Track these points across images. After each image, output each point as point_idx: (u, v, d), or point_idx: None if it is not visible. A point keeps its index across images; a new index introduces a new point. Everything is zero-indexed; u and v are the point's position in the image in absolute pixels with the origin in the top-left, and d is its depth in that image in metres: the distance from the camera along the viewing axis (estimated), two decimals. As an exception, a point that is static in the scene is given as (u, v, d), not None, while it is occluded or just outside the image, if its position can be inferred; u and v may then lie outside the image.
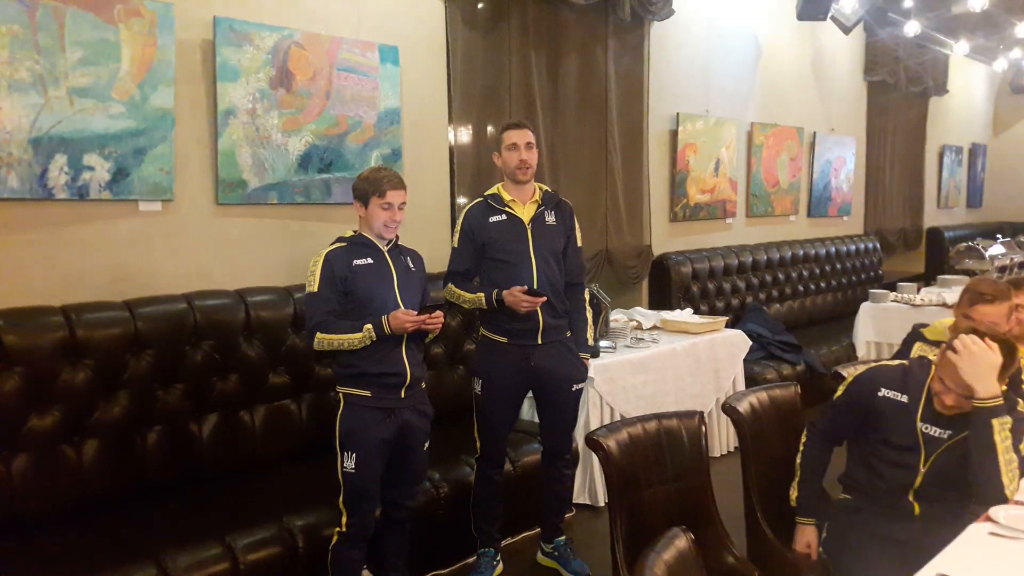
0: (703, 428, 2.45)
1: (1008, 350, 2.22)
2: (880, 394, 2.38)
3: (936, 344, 2.82)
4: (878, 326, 6.08)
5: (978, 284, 2.72)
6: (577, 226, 3.24)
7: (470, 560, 3.33)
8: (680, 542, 1.54)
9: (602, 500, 4.00)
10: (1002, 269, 7.28)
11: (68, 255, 2.96)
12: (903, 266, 9.32)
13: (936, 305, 5.91)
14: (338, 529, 2.67)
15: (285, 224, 3.59)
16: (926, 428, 2.31)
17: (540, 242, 3.08)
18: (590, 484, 3.99)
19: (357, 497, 2.63)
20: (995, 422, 2.14)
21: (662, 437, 2.39)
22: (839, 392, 2.53)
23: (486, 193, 3.17)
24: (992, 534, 2.00)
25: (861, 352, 6.10)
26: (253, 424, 3.23)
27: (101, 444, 2.82)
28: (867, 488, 2.43)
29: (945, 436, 2.30)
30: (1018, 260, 7.53)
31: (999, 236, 8.46)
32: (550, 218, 3.13)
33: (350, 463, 2.61)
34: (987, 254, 7.18)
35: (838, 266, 7.50)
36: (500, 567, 3.29)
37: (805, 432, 2.58)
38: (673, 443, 2.40)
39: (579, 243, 3.23)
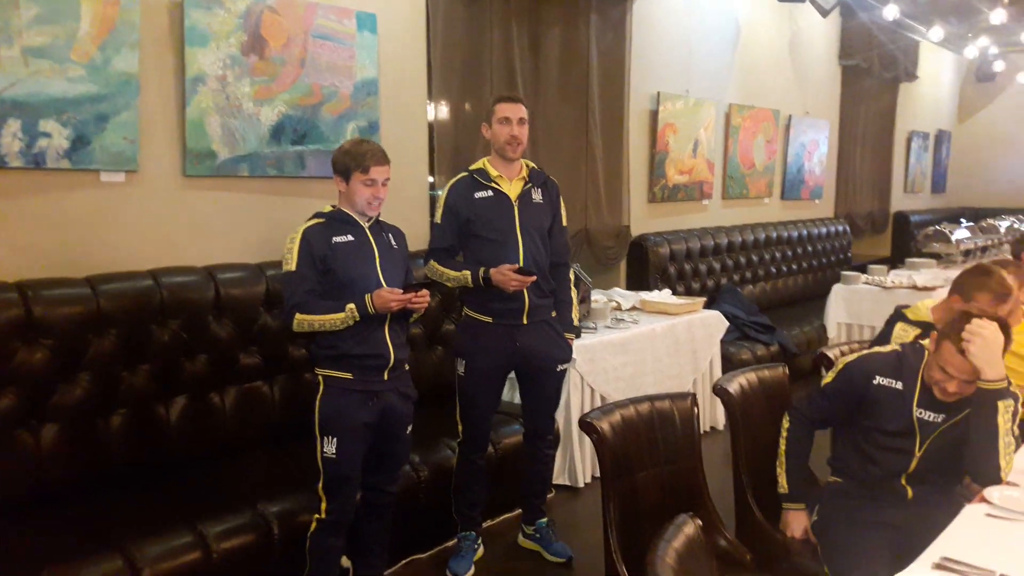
0: (695, 410, 2.39)
1: (1003, 328, 2.20)
2: (875, 382, 2.34)
3: (918, 324, 2.78)
4: (849, 307, 6.12)
5: (991, 283, 2.60)
6: (563, 205, 3.15)
7: (450, 544, 3.26)
8: (688, 528, 1.47)
9: (582, 481, 3.96)
10: (967, 253, 7.39)
11: (23, 228, 2.78)
12: (870, 249, 9.43)
13: (906, 287, 5.96)
14: (317, 516, 2.56)
15: (256, 198, 3.43)
16: (921, 413, 2.28)
17: (527, 220, 2.98)
18: (569, 465, 3.94)
19: (338, 483, 2.53)
20: (1000, 404, 2.12)
21: (655, 419, 2.32)
22: (828, 379, 2.47)
23: (471, 168, 3.06)
24: (989, 515, 1.98)
25: (832, 333, 6.14)
26: (223, 407, 3.10)
27: (61, 429, 2.66)
28: (859, 473, 2.40)
29: (940, 420, 2.28)
30: (981, 244, 7.65)
31: (963, 220, 8.57)
32: (537, 196, 3.03)
33: (330, 448, 2.49)
34: (953, 238, 7.26)
35: (809, 248, 7.54)
36: (481, 551, 3.23)
37: (787, 417, 2.52)
38: (665, 425, 2.34)
39: (564, 222, 3.15)
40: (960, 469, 2.31)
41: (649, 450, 2.28)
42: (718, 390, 2.55)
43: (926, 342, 2.36)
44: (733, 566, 2.24)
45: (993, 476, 2.13)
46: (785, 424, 2.52)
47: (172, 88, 3.11)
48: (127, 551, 2.33)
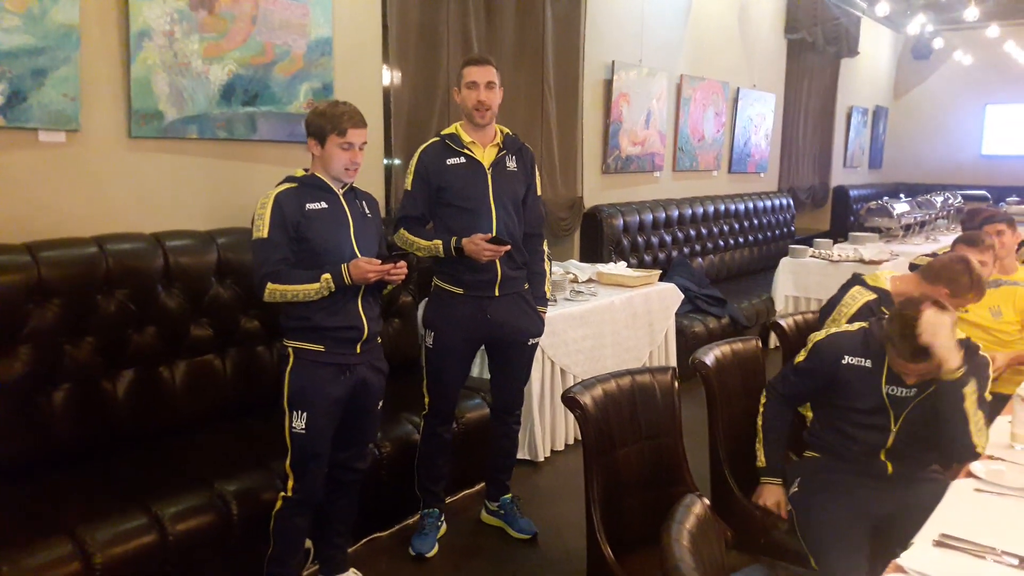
0: (675, 385, 2.36)
1: (939, 305, 2.21)
2: (844, 362, 2.35)
3: (874, 290, 2.80)
4: (797, 280, 6.23)
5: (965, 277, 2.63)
6: (537, 174, 3.06)
7: (411, 521, 3.19)
8: (697, 508, 1.44)
9: (542, 455, 3.93)
10: (907, 227, 7.61)
11: (-47, 190, 2.56)
12: (810, 223, 9.63)
13: (853, 261, 6.09)
14: (283, 494, 2.46)
15: (206, 162, 3.25)
16: (891, 390, 2.30)
17: (500, 189, 2.87)
18: (530, 439, 3.90)
19: (306, 460, 2.42)
20: (966, 390, 2.15)
21: (635, 394, 2.29)
22: (801, 357, 2.47)
23: (443, 132, 2.93)
24: (978, 491, 2.01)
25: (780, 306, 6.25)
26: (173, 381, 2.94)
27: (-1, 405, 2.48)
28: (839, 450, 2.41)
29: (911, 394, 2.29)
30: (920, 219, 7.89)
31: (902, 196, 8.82)
32: (511, 164, 2.93)
33: (300, 423, 2.38)
34: (895, 212, 7.45)
35: (756, 222, 7.64)
36: (444, 528, 3.16)
37: (764, 394, 2.54)
38: (646, 400, 2.30)
39: (539, 192, 3.06)
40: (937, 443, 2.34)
41: (630, 426, 2.24)
42: (696, 363, 2.52)
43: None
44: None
45: (970, 455, 2.17)
46: (763, 400, 2.54)
47: (116, 43, 2.89)
48: (76, 535, 2.19)
